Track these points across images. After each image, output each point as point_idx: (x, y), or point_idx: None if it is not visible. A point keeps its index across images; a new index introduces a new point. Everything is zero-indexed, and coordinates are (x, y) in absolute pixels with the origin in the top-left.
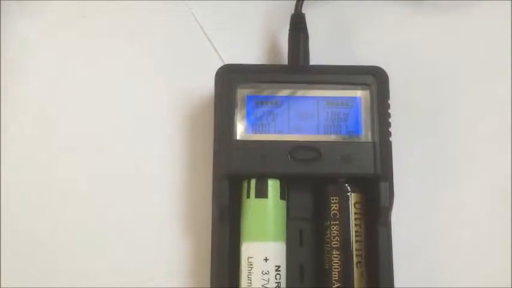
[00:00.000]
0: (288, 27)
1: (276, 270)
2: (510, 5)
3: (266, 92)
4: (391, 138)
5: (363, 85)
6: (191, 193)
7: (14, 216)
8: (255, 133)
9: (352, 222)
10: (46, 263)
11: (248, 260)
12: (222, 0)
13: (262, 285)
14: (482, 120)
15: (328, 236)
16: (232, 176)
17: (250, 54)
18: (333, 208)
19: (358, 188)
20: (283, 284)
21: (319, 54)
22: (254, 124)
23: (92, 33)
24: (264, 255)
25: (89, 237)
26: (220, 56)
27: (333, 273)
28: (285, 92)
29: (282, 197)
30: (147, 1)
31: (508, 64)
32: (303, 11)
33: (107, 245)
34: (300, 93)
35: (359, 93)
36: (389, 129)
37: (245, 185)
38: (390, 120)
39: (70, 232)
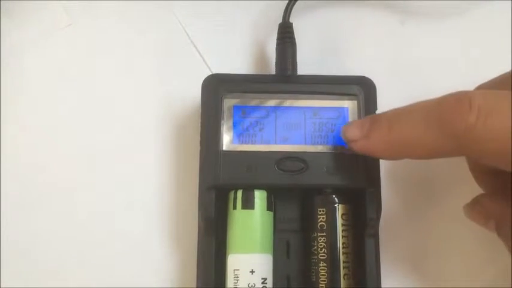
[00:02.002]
0: (276, 36)
1: (263, 282)
2: (502, 15)
3: (253, 102)
4: None
5: (350, 95)
6: (177, 204)
7: (13, 217)
8: (242, 144)
9: (340, 234)
10: (42, 267)
11: (234, 272)
12: (210, 9)
13: None
14: None
15: (315, 247)
16: (218, 187)
17: (238, 64)
18: (320, 219)
19: (346, 199)
20: None
21: (307, 64)
22: (241, 134)
23: (79, 42)
24: (250, 267)
25: (80, 246)
26: (207, 65)
27: (320, 285)
28: (272, 102)
29: (268, 208)
30: (134, 11)
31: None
32: (291, 20)
33: (95, 253)
34: (287, 103)
35: (346, 104)
36: None
37: (231, 196)
38: None
39: (63, 238)
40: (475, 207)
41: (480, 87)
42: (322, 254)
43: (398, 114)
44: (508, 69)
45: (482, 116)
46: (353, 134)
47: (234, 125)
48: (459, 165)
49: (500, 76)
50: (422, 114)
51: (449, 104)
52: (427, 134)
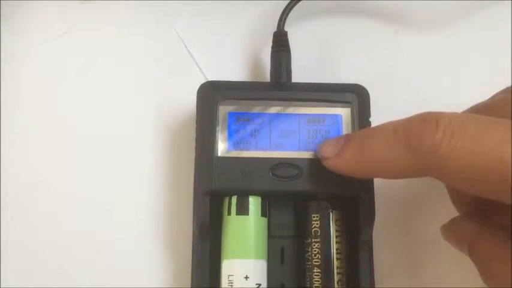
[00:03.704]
0: (270, 44)
1: None
2: (499, 26)
3: (248, 109)
4: None
5: (344, 103)
6: (172, 210)
7: (13, 217)
8: (236, 150)
9: (333, 240)
10: (42, 266)
11: (228, 278)
12: (205, 17)
13: None
14: None
15: (309, 253)
16: (213, 193)
17: (233, 71)
18: (314, 225)
19: (339, 205)
20: None
21: (301, 72)
22: (235, 141)
23: (74, 49)
24: (244, 273)
25: (77, 248)
26: (203, 73)
27: None
28: (266, 109)
29: (263, 214)
30: (129, 18)
31: (499, 83)
32: (286, 28)
33: (91, 257)
34: (282, 110)
35: (340, 111)
36: None
37: (226, 202)
38: None
39: (62, 239)
40: (450, 229)
41: None
42: (316, 260)
43: (370, 134)
44: (503, 79)
45: (448, 136)
46: (327, 151)
47: (229, 132)
48: None
49: (477, 104)
50: (392, 133)
51: (416, 123)
52: (395, 153)
